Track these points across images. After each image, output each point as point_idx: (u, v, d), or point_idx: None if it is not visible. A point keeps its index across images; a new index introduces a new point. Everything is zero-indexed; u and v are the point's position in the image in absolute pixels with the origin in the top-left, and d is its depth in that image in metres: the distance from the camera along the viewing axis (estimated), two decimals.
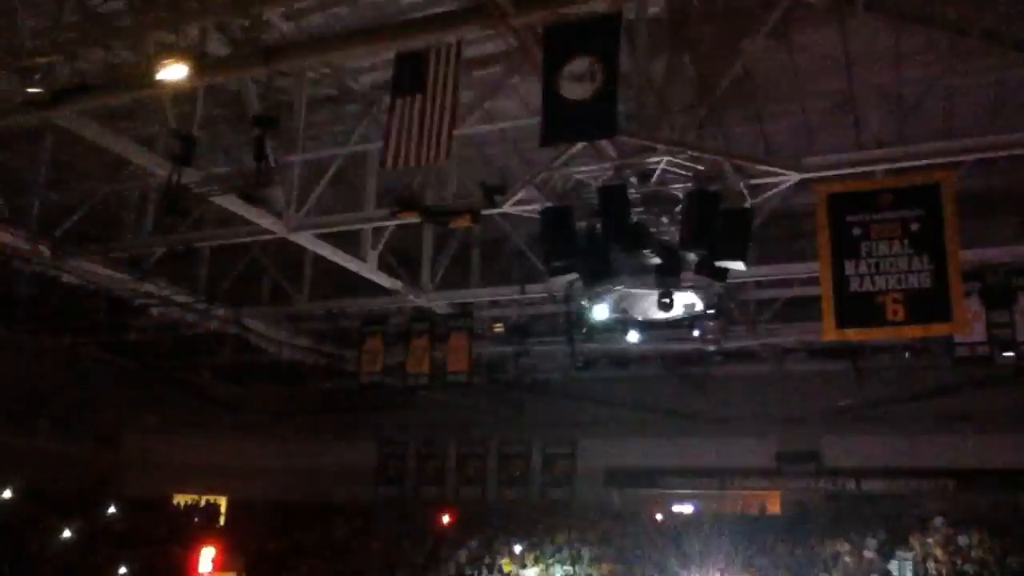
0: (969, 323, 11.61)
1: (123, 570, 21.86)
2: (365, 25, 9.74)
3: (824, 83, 12.60)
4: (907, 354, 19.64)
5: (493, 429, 28.01)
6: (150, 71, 9.05)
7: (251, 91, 11.34)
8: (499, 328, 19.09)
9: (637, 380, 22.96)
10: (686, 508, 26.55)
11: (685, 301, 12.09)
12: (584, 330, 15.47)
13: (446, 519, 26.30)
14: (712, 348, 18.69)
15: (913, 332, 10.23)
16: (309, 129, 12.60)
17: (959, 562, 20.09)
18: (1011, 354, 13.81)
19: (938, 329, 10.16)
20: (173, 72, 9.04)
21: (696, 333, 16.96)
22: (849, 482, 24.48)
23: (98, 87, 9.50)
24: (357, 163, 13.78)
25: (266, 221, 12.90)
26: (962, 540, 20.88)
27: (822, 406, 22.99)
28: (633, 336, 16.20)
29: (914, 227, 9.70)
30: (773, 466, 25.12)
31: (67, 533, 22.72)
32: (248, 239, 14.97)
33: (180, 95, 10.55)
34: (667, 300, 11.76)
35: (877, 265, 9.74)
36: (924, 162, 10.27)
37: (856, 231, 9.92)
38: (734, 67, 10.79)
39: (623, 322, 14.64)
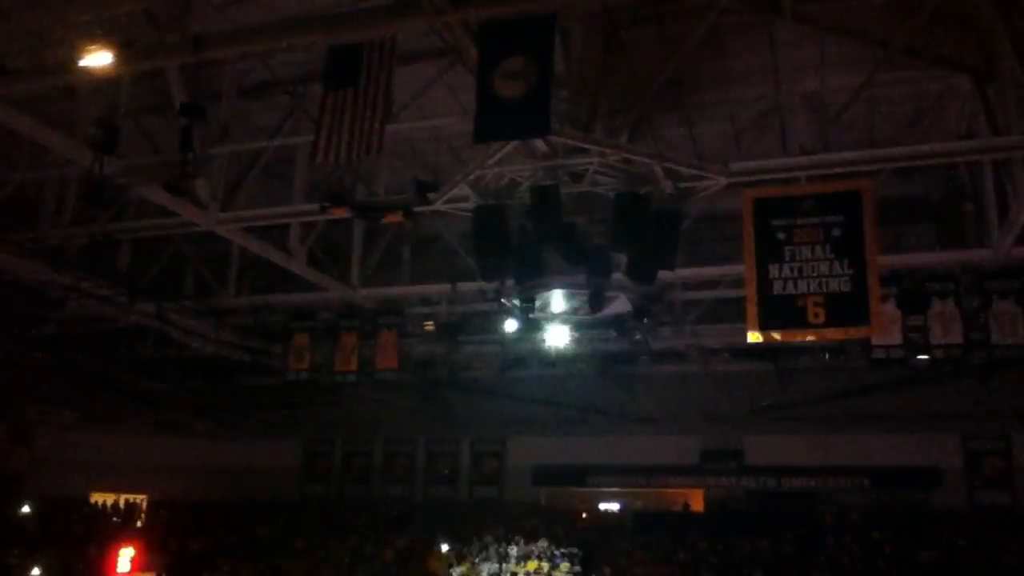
0: (886, 326, 12.00)
1: (37, 571, 21.16)
2: (299, 16, 9.58)
3: (752, 90, 12.86)
4: (826, 355, 20.17)
5: (421, 427, 27.89)
6: (74, 57, 8.78)
7: (178, 80, 11.07)
8: (429, 326, 18.99)
9: (565, 379, 23.08)
10: (612, 506, 26.86)
11: (614, 301, 12.26)
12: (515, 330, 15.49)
13: None
14: (639, 348, 18.88)
15: (832, 335, 10.51)
16: (237, 120, 12.37)
17: (873, 556, 20.75)
18: (925, 357, 14.28)
19: (856, 332, 10.48)
20: (97, 59, 8.79)
21: (624, 334, 17.09)
22: (770, 479, 25.07)
23: (19, 71, 9.17)
24: (286, 155, 13.58)
25: (191, 213, 12.63)
26: (876, 535, 21.56)
27: (745, 405, 23.47)
28: (562, 336, 16.23)
29: (835, 232, 9.99)
30: (697, 464, 25.57)
31: None
32: (172, 231, 14.65)
33: (103, 82, 10.27)
34: (596, 300, 11.91)
35: (800, 269, 10.00)
36: (846, 169, 10.58)
37: (780, 235, 10.17)
38: (666, 72, 10.95)
39: (552, 322, 14.72)
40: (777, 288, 10.05)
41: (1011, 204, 11.64)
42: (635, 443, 25.68)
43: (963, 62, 11.10)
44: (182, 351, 20.33)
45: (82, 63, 8.81)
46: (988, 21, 10.31)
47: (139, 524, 26.56)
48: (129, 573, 21.67)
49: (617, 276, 11.65)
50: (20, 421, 25.59)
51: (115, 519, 26.36)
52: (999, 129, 10.32)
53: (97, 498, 27.14)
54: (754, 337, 10.28)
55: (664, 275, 11.63)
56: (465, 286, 15.53)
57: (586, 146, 10.36)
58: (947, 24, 10.87)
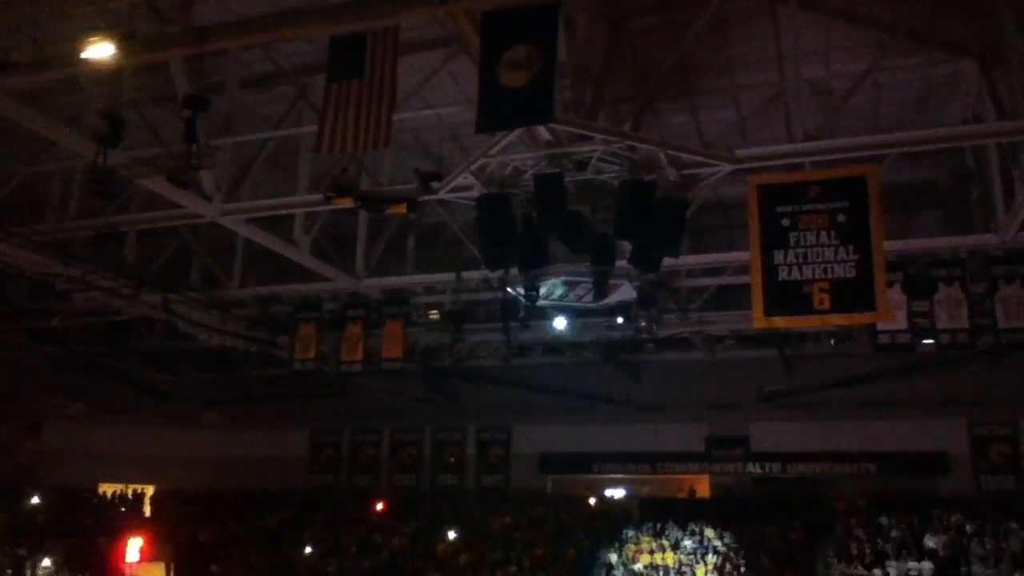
0: (891, 312, 11.96)
1: (46, 561, 21.28)
2: (301, 6, 9.56)
3: (757, 77, 12.82)
4: (832, 341, 20.17)
5: (428, 416, 27.94)
6: (76, 49, 8.77)
7: (181, 71, 11.06)
8: (434, 315, 19.02)
9: (571, 367, 23.12)
10: (618, 492, 26.91)
11: (619, 289, 12.27)
12: (520, 317, 15.52)
13: (379, 507, 26.25)
14: (645, 335, 18.88)
15: (838, 320, 10.51)
16: (241, 111, 12.37)
17: (879, 542, 20.75)
18: (931, 342, 14.25)
19: (862, 318, 10.46)
20: (100, 51, 8.78)
21: (628, 321, 17.09)
22: (775, 466, 25.07)
23: (22, 65, 9.16)
24: (290, 146, 13.58)
25: (196, 204, 12.64)
26: (882, 521, 21.56)
27: (751, 392, 23.45)
28: (563, 323, 16.27)
29: (841, 218, 9.95)
30: (703, 450, 25.59)
31: None
32: (178, 223, 14.66)
33: (107, 74, 10.26)
34: (601, 288, 11.92)
35: (805, 255, 9.97)
36: (851, 155, 10.55)
37: (785, 221, 10.14)
38: (670, 59, 10.92)
39: (556, 309, 14.75)
40: (782, 274, 10.02)
41: (1017, 188, 11.61)
42: (641, 430, 25.69)
43: (969, 46, 11.06)
44: (189, 343, 20.42)
45: (85, 55, 8.79)
46: (994, 4, 10.25)
47: (147, 514, 26.70)
48: (138, 563, 21.76)
49: (622, 264, 11.65)
50: (28, 414, 25.72)
51: (123, 510, 26.49)
52: (1005, 113, 10.29)
53: (105, 489, 27.28)
54: (759, 323, 10.27)
55: (669, 262, 11.62)
56: (470, 275, 15.55)
57: (590, 134, 10.35)
58: (952, 8, 10.82)
